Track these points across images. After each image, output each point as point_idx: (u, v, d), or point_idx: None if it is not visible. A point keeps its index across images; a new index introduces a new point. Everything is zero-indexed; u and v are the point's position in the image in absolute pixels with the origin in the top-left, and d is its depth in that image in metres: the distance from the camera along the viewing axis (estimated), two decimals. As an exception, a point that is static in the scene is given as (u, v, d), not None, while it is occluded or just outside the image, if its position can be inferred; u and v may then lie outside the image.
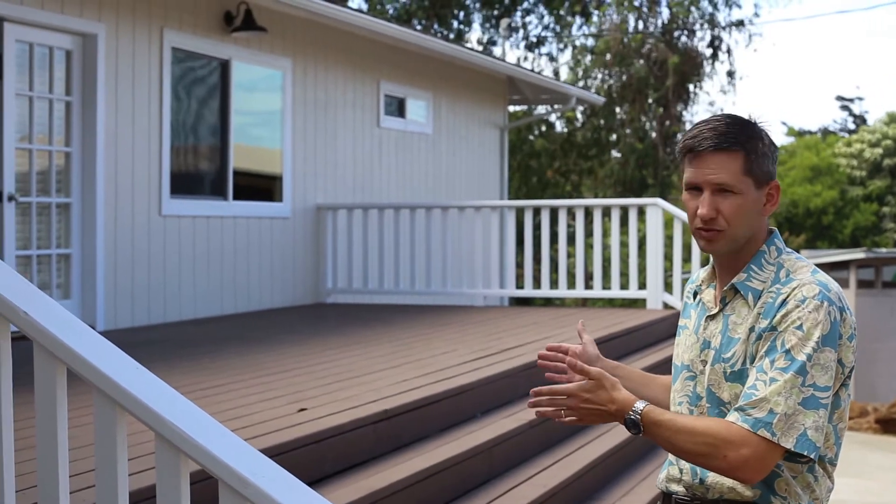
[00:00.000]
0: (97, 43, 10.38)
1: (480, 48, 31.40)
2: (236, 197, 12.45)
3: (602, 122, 30.93)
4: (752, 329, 2.88)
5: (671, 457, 3.08)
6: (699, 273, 3.20)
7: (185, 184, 11.73)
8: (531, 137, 31.33)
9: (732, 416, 2.79)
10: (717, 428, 2.79)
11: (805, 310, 2.80)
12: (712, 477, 2.92)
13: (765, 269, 2.94)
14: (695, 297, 3.13)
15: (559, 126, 32.16)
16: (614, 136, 31.17)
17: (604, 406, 2.88)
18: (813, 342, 2.78)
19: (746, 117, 2.97)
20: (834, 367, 2.81)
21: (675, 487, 3.05)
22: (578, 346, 3.29)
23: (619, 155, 30.91)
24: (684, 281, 13.52)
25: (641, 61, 30.75)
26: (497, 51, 31.00)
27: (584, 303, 21.40)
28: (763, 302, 2.88)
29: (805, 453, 2.76)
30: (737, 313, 2.93)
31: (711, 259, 3.09)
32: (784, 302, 2.84)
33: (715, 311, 2.99)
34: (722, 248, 2.93)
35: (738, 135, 2.89)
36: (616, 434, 7.68)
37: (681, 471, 3.02)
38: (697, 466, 2.94)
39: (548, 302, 20.45)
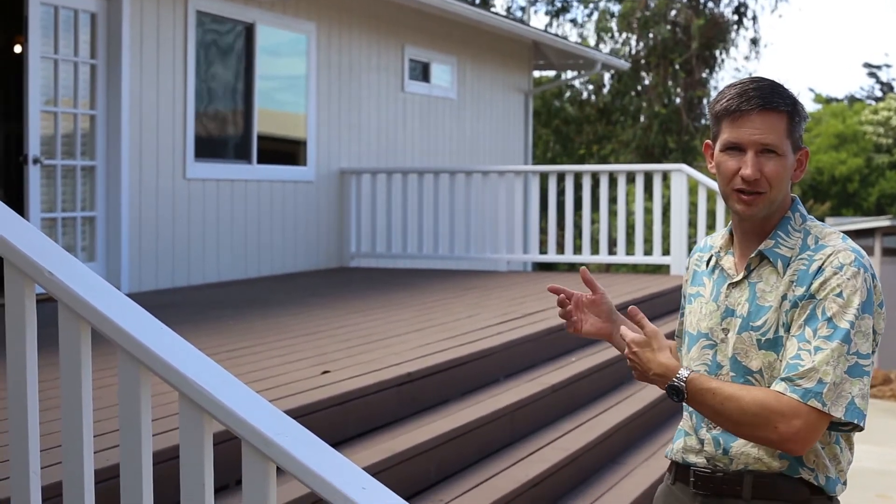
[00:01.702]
0: (122, 5, 10.38)
1: (505, 13, 31.29)
2: (260, 161, 12.46)
3: (626, 87, 30.78)
4: (784, 297, 2.83)
5: (687, 427, 3.04)
6: (706, 241, 3.17)
7: (209, 147, 11.74)
8: (557, 104, 31.24)
9: (780, 387, 2.75)
10: (768, 398, 2.74)
11: (843, 276, 2.78)
12: (737, 447, 2.88)
13: (791, 235, 2.90)
14: (707, 265, 3.08)
15: (585, 93, 32.06)
16: (644, 104, 31.02)
17: (645, 366, 2.87)
18: (854, 309, 2.76)
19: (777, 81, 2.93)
20: (871, 334, 2.80)
21: (693, 459, 2.99)
22: (589, 295, 3.24)
23: (643, 119, 30.76)
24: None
25: (668, 27, 30.59)
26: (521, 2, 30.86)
27: (607, 268, 21.38)
28: (795, 269, 2.84)
29: (855, 422, 2.74)
30: (765, 281, 2.88)
31: (729, 225, 3.05)
32: (820, 269, 2.80)
33: (738, 278, 2.94)
34: (760, 213, 2.87)
35: (785, 96, 2.86)
36: (638, 399, 7.69)
37: (701, 441, 2.97)
38: (721, 436, 2.90)
39: (572, 267, 20.38)
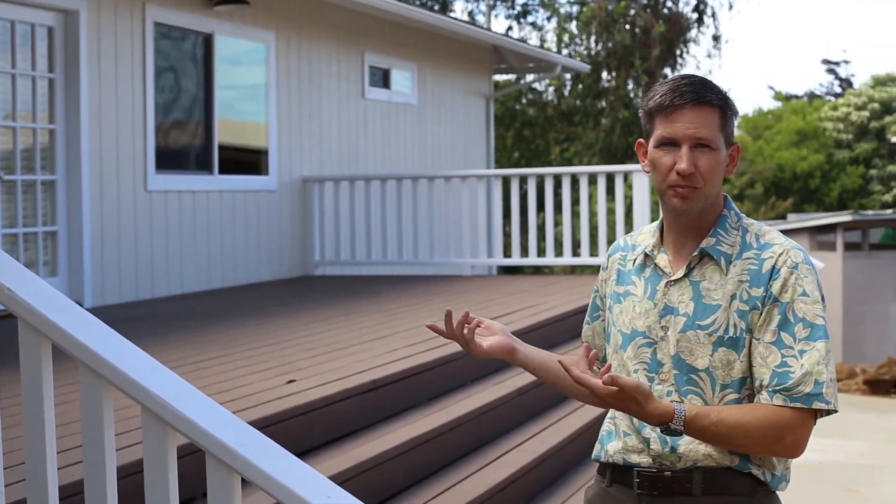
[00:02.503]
0: (79, 19, 10.34)
1: (466, 18, 31.35)
2: (222, 171, 12.44)
3: (587, 90, 30.88)
4: (734, 296, 2.84)
5: (625, 427, 2.99)
6: (626, 240, 3.15)
7: (170, 159, 11.71)
8: (517, 107, 31.32)
9: (778, 400, 2.76)
10: (773, 416, 2.75)
11: (801, 275, 2.82)
12: (685, 444, 2.85)
13: (730, 233, 2.91)
14: (634, 263, 3.04)
15: (547, 96, 32.16)
16: (603, 103, 31.11)
17: (633, 414, 2.79)
18: (819, 306, 2.82)
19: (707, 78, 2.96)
20: None
21: (636, 459, 2.94)
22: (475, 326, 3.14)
23: (605, 121, 30.84)
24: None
25: (627, 26, 30.69)
26: (481, 18, 30.91)
27: (572, 270, 21.43)
28: (743, 268, 2.86)
29: (837, 410, 2.81)
30: (708, 279, 2.88)
31: (658, 223, 3.03)
32: (774, 269, 2.83)
33: (678, 276, 2.92)
34: (696, 208, 2.87)
35: (716, 91, 2.88)
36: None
37: (646, 440, 2.92)
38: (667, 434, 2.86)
39: (537, 270, 20.44)
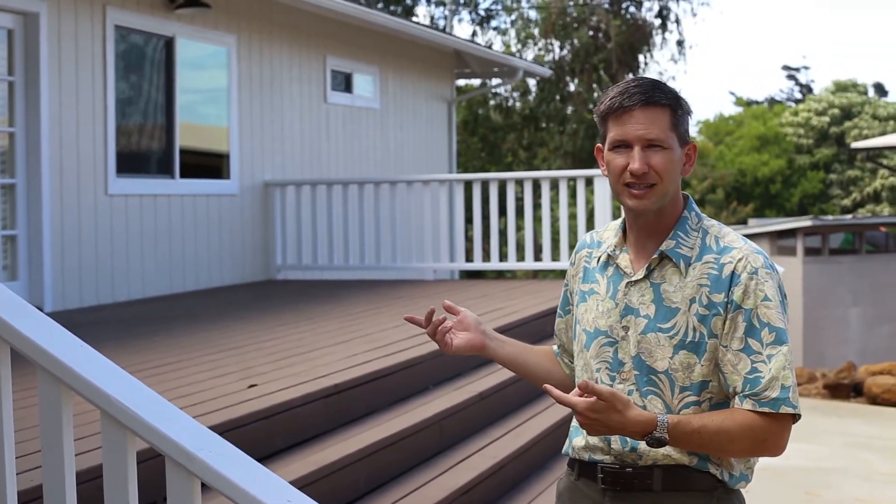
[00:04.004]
0: (39, 21, 10.28)
1: (429, 23, 31.35)
2: (183, 175, 12.38)
3: (556, 96, 30.93)
4: (693, 300, 2.86)
5: None
6: (592, 237, 3.18)
7: (131, 163, 11.65)
8: (481, 112, 31.34)
9: (748, 405, 2.80)
10: (752, 421, 2.79)
11: (761, 280, 2.84)
12: (645, 444, 2.85)
13: (690, 235, 2.94)
14: (598, 262, 3.07)
15: (511, 100, 32.20)
16: (570, 108, 31.15)
17: (614, 429, 2.77)
18: (781, 308, 2.85)
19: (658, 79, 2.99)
20: None
21: (599, 456, 2.98)
22: (453, 319, 3.24)
23: (570, 125, 30.89)
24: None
25: (590, 32, 30.75)
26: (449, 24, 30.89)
27: (534, 275, 21.44)
28: (702, 272, 2.88)
29: (801, 416, 2.85)
30: (668, 281, 2.91)
31: (621, 223, 3.06)
32: (734, 274, 2.85)
33: (638, 277, 2.95)
34: (653, 206, 2.90)
35: (666, 91, 2.91)
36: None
37: (607, 440, 2.94)
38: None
39: (499, 275, 20.39)
